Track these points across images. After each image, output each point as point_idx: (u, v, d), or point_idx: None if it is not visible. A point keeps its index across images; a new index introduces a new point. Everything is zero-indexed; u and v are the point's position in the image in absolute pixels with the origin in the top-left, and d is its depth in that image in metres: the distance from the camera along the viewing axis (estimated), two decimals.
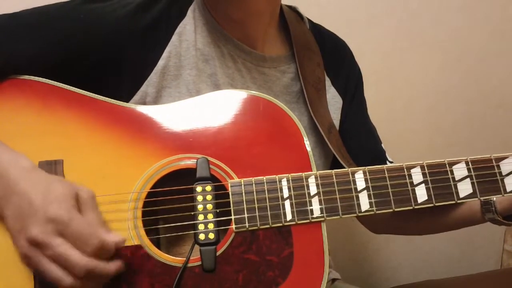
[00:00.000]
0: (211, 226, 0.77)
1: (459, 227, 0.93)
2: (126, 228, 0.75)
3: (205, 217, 0.77)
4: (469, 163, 0.81)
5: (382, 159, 1.04)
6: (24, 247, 0.67)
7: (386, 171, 0.80)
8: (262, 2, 0.90)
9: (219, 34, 0.92)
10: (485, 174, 0.81)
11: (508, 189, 0.80)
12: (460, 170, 0.81)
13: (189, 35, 0.90)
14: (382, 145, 1.07)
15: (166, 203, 0.77)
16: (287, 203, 0.78)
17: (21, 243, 0.68)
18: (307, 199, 0.78)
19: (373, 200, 0.79)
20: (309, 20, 1.07)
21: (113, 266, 0.69)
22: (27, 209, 0.68)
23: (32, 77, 0.80)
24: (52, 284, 0.67)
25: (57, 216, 0.66)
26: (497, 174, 0.81)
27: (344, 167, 0.89)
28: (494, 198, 0.81)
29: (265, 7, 0.92)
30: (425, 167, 0.81)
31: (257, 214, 0.77)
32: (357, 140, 1.04)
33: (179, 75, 0.89)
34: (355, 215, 0.79)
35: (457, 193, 0.80)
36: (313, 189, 0.78)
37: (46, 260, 0.66)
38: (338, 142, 0.98)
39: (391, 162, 1.05)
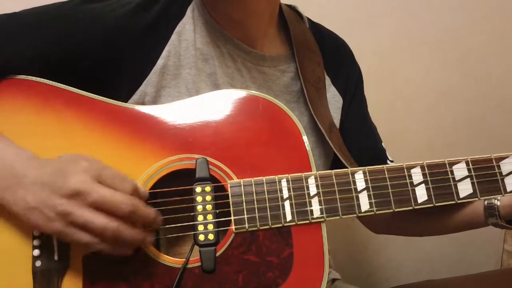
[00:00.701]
0: (210, 226, 0.76)
1: (461, 230, 0.92)
2: None
3: (205, 218, 0.77)
4: (469, 163, 0.81)
5: (383, 158, 1.04)
6: (63, 204, 0.66)
7: (386, 171, 0.80)
8: (261, 2, 0.90)
9: (219, 34, 0.92)
10: (485, 174, 0.80)
11: (508, 189, 0.80)
12: (460, 170, 0.81)
13: (188, 35, 0.90)
14: (383, 144, 1.07)
15: (166, 203, 0.77)
16: (287, 204, 0.77)
17: (56, 202, 0.66)
18: (307, 199, 0.78)
19: (373, 201, 0.79)
20: (309, 19, 1.07)
21: (152, 210, 0.70)
22: (53, 174, 0.68)
23: (31, 77, 0.80)
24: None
25: (91, 165, 0.68)
26: (497, 174, 0.80)
27: (345, 166, 0.89)
28: (498, 203, 0.81)
29: (264, 7, 0.92)
30: (425, 167, 0.80)
31: (256, 214, 0.77)
32: (357, 139, 1.04)
33: (178, 74, 0.89)
34: (355, 215, 0.79)
35: (457, 193, 0.80)
36: (313, 190, 0.78)
37: (88, 210, 0.66)
38: (339, 141, 0.98)
39: (391, 161, 1.04)
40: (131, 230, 0.68)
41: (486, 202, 0.82)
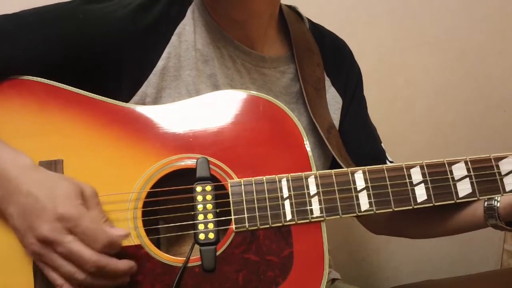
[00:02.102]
0: (211, 226, 0.77)
1: (460, 232, 0.92)
2: (126, 228, 0.75)
3: (205, 217, 0.77)
4: (469, 162, 0.81)
5: (382, 159, 1.04)
6: (34, 244, 0.67)
7: (385, 171, 0.80)
8: (262, 3, 0.90)
9: (219, 35, 0.92)
10: (485, 173, 0.81)
11: (507, 189, 0.80)
12: (459, 170, 0.81)
13: (188, 36, 0.90)
14: (382, 144, 1.07)
15: (166, 203, 0.77)
16: (287, 203, 0.78)
17: (30, 241, 0.68)
18: (307, 199, 0.78)
19: (372, 200, 0.79)
20: (309, 20, 1.07)
21: (123, 263, 0.70)
22: (34, 207, 0.68)
23: (31, 77, 0.80)
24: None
25: (66, 214, 0.67)
26: (496, 174, 0.81)
27: (343, 168, 0.89)
28: (498, 204, 0.81)
29: (265, 8, 0.92)
30: (425, 167, 0.81)
31: (257, 214, 0.77)
32: (357, 139, 1.04)
33: (178, 75, 0.89)
34: (354, 215, 0.79)
35: (456, 192, 0.80)
36: (312, 189, 0.78)
37: (57, 257, 0.67)
38: (338, 142, 0.98)
39: (391, 162, 1.04)
40: (101, 281, 0.69)
41: (486, 203, 0.82)
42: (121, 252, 0.72)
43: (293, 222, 0.77)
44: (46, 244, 0.67)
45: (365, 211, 0.79)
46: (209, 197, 0.78)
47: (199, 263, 0.76)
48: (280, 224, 0.77)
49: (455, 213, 0.88)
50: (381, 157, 1.04)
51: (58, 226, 0.67)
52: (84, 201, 0.70)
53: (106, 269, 0.67)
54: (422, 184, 0.80)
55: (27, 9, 0.86)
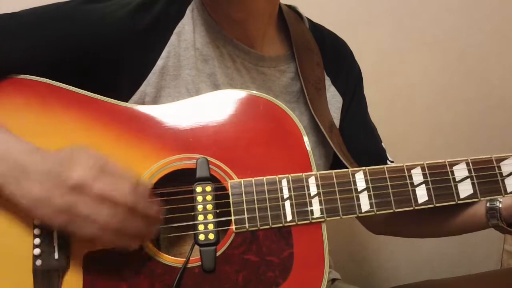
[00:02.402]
0: (211, 226, 0.77)
1: (462, 233, 0.92)
2: None
3: (205, 218, 0.77)
4: (470, 163, 0.81)
5: (382, 158, 1.04)
6: (67, 195, 0.67)
7: (386, 172, 0.80)
8: (261, 2, 0.90)
9: (218, 34, 0.92)
10: (486, 174, 0.81)
11: (508, 190, 0.80)
12: (460, 171, 0.81)
13: (188, 35, 0.90)
14: (382, 144, 1.07)
15: (166, 203, 0.77)
16: (287, 204, 0.78)
17: (62, 192, 0.67)
18: (307, 199, 0.78)
19: (373, 201, 0.79)
20: (309, 20, 1.07)
21: (154, 202, 0.71)
22: (56, 163, 0.68)
23: (31, 77, 0.80)
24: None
25: (91, 158, 0.68)
26: (498, 175, 0.81)
27: (345, 167, 0.89)
28: (500, 205, 0.81)
29: (264, 7, 0.92)
30: (426, 168, 0.80)
31: (257, 214, 0.77)
32: (357, 139, 1.04)
33: (178, 75, 0.89)
34: (355, 215, 0.79)
35: (457, 193, 0.80)
36: (313, 190, 0.78)
37: (92, 202, 0.66)
38: (339, 141, 0.98)
39: (391, 161, 1.05)
40: (135, 222, 0.69)
41: (488, 204, 0.82)
42: (121, 252, 0.72)
43: (294, 223, 0.77)
44: (80, 190, 0.66)
45: (365, 212, 0.79)
46: (209, 197, 0.78)
47: (199, 263, 0.75)
48: (281, 225, 0.77)
49: (457, 213, 0.88)
50: (381, 157, 1.04)
51: (88, 168, 0.67)
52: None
53: (141, 203, 0.68)
54: (423, 185, 0.80)
55: (27, 8, 0.86)
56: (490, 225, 0.84)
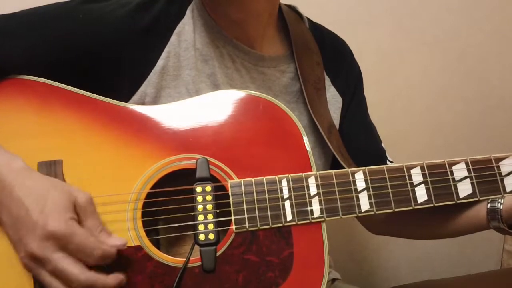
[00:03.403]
0: (211, 226, 0.77)
1: (462, 234, 0.91)
2: (126, 229, 0.75)
3: (205, 218, 0.77)
4: (469, 163, 0.81)
5: (382, 159, 1.04)
6: (24, 258, 0.68)
7: (386, 172, 0.80)
8: (260, 2, 0.90)
9: (218, 34, 0.92)
10: (485, 174, 0.81)
11: (508, 189, 0.80)
12: (460, 171, 0.81)
13: (188, 35, 0.90)
14: (382, 144, 1.07)
15: (166, 203, 0.77)
16: (287, 204, 0.78)
17: (21, 254, 0.68)
18: (307, 199, 0.78)
19: (373, 201, 0.79)
20: (309, 20, 1.07)
21: (112, 278, 0.69)
22: (24, 221, 0.68)
23: (31, 77, 0.80)
24: None
25: (56, 231, 0.66)
26: (497, 175, 0.81)
27: (344, 168, 0.89)
28: (501, 207, 0.81)
29: (263, 7, 0.92)
30: (425, 168, 0.81)
31: (257, 214, 0.77)
32: (357, 139, 1.04)
33: (178, 75, 0.89)
34: (355, 215, 0.79)
35: (457, 193, 0.80)
36: (313, 190, 0.78)
37: (46, 274, 0.67)
38: (338, 142, 0.98)
39: (391, 162, 1.05)
40: None
41: (489, 206, 0.82)
42: (121, 254, 0.72)
43: (293, 223, 0.77)
44: (35, 260, 0.67)
45: (365, 211, 0.79)
46: (209, 197, 0.78)
47: (199, 263, 0.75)
48: (280, 225, 0.77)
49: (457, 214, 0.88)
50: (381, 157, 1.04)
51: (47, 244, 0.66)
52: (78, 210, 0.70)
53: (95, 286, 0.67)
54: (423, 185, 0.80)
55: (27, 9, 0.86)
56: (491, 227, 0.83)
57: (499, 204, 0.80)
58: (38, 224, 0.67)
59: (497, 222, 0.81)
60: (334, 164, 1.00)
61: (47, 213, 0.67)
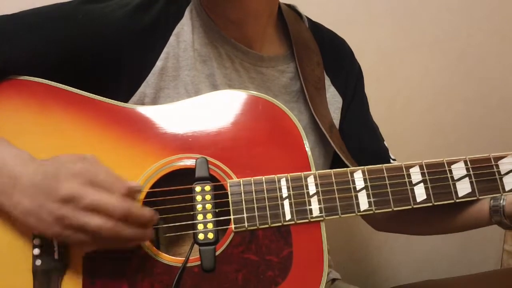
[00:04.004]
0: (210, 226, 0.77)
1: (465, 229, 0.92)
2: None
3: (204, 217, 0.77)
4: (468, 162, 0.81)
5: (385, 157, 1.04)
6: (57, 208, 0.67)
7: (385, 171, 0.80)
8: (258, 3, 0.90)
9: (216, 35, 0.92)
10: (484, 173, 0.81)
11: (507, 188, 0.80)
12: (459, 170, 0.81)
13: (186, 36, 0.90)
14: (385, 142, 1.07)
15: (165, 203, 0.77)
16: (286, 203, 0.78)
17: (51, 207, 0.67)
18: (306, 198, 0.78)
19: (372, 200, 0.79)
20: (308, 19, 1.07)
21: (147, 210, 0.70)
22: (46, 177, 0.68)
23: (31, 78, 0.80)
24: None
25: (82, 169, 0.68)
26: (496, 173, 0.81)
27: (346, 166, 0.89)
28: (504, 202, 0.81)
29: (261, 7, 0.92)
30: (424, 167, 0.81)
31: (256, 214, 0.77)
32: (359, 138, 1.04)
33: (177, 76, 0.89)
34: (354, 214, 0.79)
35: (455, 192, 0.80)
36: (312, 189, 0.78)
37: (83, 213, 0.67)
38: (339, 141, 0.98)
39: (394, 160, 1.04)
40: (128, 229, 0.69)
41: (492, 201, 0.82)
42: (120, 253, 0.72)
43: (293, 222, 0.77)
44: (69, 202, 0.67)
45: (364, 211, 0.79)
46: (208, 197, 0.78)
47: (199, 263, 0.75)
48: (280, 224, 0.77)
49: (460, 210, 0.88)
50: (384, 156, 1.04)
51: (78, 181, 0.67)
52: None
53: (132, 212, 0.68)
54: (422, 184, 0.80)
55: (26, 9, 0.86)
56: (493, 222, 0.84)
57: (502, 200, 0.81)
58: (62, 171, 0.68)
59: (499, 216, 0.81)
60: (334, 163, 1.00)
61: (66, 163, 0.70)
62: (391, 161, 1.04)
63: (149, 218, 0.70)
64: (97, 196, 0.67)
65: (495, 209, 0.82)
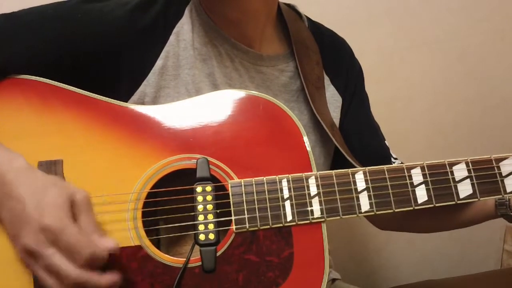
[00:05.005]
0: (211, 226, 0.77)
1: (472, 224, 0.92)
2: (126, 229, 0.75)
3: (205, 218, 0.77)
4: (469, 163, 0.81)
5: (387, 156, 1.04)
6: (21, 253, 0.68)
7: (386, 172, 0.80)
8: (256, 2, 0.90)
9: (216, 34, 0.92)
10: (485, 175, 0.81)
11: (508, 190, 0.80)
12: (460, 171, 0.81)
13: (186, 35, 0.90)
14: (386, 141, 1.07)
15: (166, 203, 0.77)
16: (287, 204, 0.78)
17: (17, 248, 0.69)
18: (307, 199, 0.78)
19: (373, 201, 0.79)
20: (308, 18, 1.06)
21: (105, 279, 0.67)
22: (21, 215, 0.67)
23: (31, 77, 0.80)
24: None
25: (49, 226, 0.65)
26: (497, 175, 0.81)
27: (346, 165, 0.89)
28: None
29: (260, 7, 0.91)
30: (425, 168, 0.80)
31: (257, 214, 0.77)
32: (360, 137, 1.04)
33: (177, 75, 0.89)
34: (355, 215, 0.79)
35: (457, 193, 0.80)
36: (313, 190, 0.78)
37: (40, 269, 0.67)
38: (341, 140, 0.98)
39: (395, 159, 1.04)
40: None
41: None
42: (121, 254, 0.72)
43: (294, 223, 0.77)
44: (30, 255, 0.67)
45: (365, 212, 0.79)
46: (209, 197, 0.78)
47: (199, 263, 0.75)
48: (281, 225, 0.77)
49: (466, 205, 0.88)
50: (385, 155, 1.04)
51: (41, 237, 0.65)
52: (74, 209, 0.68)
53: (87, 285, 0.66)
54: (423, 185, 0.80)
55: (25, 8, 0.86)
56: (498, 214, 0.84)
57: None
58: (33, 218, 0.66)
59: (505, 209, 0.83)
60: (335, 162, 1.00)
61: (43, 208, 0.66)
62: (393, 159, 1.04)
63: (106, 286, 0.67)
64: (54, 260, 0.65)
65: (501, 202, 0.83)
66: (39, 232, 0.66)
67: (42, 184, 0.70)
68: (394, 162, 1.03)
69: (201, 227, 0.76)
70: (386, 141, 1.07)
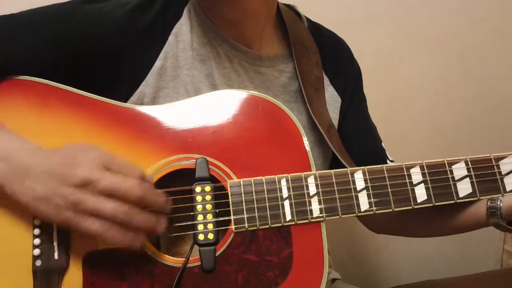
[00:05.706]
0: (210, 226, 0.77)
1: (463, 231, 0.91)
2: None
3: (205, 218, 0.77)
4: (469, 162, 0.81)
5: (383, 158, 1.04)
6: (70, 193, 0.67)
7: (385, 171, 0.80)
8: (255, 2, 0.90)
9: (215, 34, 0.92)
10: (485, 173, 0.81)
11: (507, 189, 0.80)
12: (459, 170, 0.81)
13: (185, 36, 0.90)
14: (382, 143, 1.07)
15: None
16: (286, 203, 0.78)
17: (65, 192, 0.67)
18: (307, 199, 0.78)
19: (372, 200, 0.79)
20: (308, 19, 1.07)
21: (161, 194, 0.72)
22: (60, 161, 0.69)
23: (31, 78, 0.80)
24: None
25: (97, 155, 0.69)
26: (497, 174, 0.81)
27: (344, 167, 0.89)
28: (501, 204, 0.81)
29: (259, 7, 0.91)
30: (425, 167, 0.80)
31: (256, 214, 0.77)
32: (357, 139, 1.04)
33: (176, 75, 0.89)
34: (354, 215, 0.79)
35: (456, 192, 0.80)
36: (312, 189, 0.78)
37: (98, 197, 0.67)
38: (338, 142, 0.98)
39: (391, 161, 1.04)
40: (143, 214, 0.69)
41: (489, 202, 0.82)
42: (121, 254, 0.72)
43: (293, 223, 0.77)
44: (85, 186, 0.67)
45: (364, 211, 0.79)
46: (208, 197, 0.78)
47: (199, 263, 0.75)
48: (280, 225, 0.77)
49: (458, 212, 0.88)
50: (382, 156, 1.04)
51: (94, 165, 0.68)
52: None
53: (147, 194, 0.69)
54: (422, 184, 0.80)
55: (25, 10, 0.86)
56: (490, 223, 0.83)
57: (499, 201, 0.80)
58: (78, 155, 0.69)
59: (497, 218, 0.81)
60: (334, 163, 1.00)
61: (80, 149, 0.71)
62: (388, 162, 1.04)
63: (163, 203, 0.71)
64: (113, 179, 0.67)
65: (492, 211, 0.81)
66: (91, 161, 0.68)
67: (65, 149, 0.73)
68: None
69: (200, 227, 0.76)
70: (382, 143, 1.07)
